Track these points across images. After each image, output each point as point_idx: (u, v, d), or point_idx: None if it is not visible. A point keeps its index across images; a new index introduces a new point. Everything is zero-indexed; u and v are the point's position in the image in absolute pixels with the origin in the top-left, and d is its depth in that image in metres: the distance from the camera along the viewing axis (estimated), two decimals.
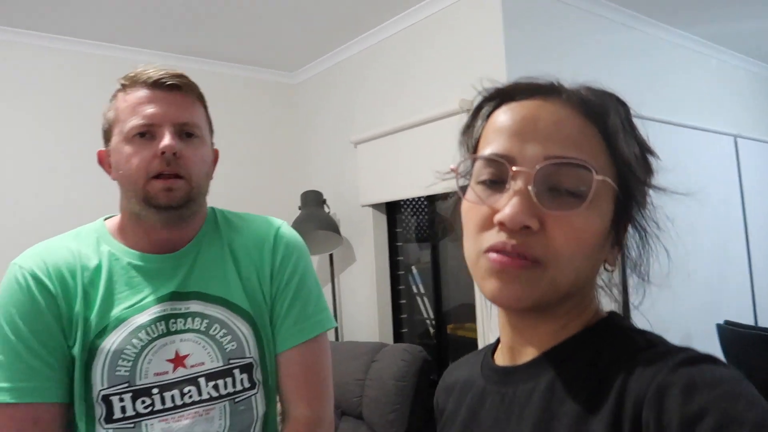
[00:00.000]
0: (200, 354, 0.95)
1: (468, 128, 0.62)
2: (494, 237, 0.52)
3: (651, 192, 0.57)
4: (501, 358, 0.63)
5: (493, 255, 0.52)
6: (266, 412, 1.01)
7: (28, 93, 2.97)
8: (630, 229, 0.57)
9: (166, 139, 0.90)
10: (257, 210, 3.51)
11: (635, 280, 0.59)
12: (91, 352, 0.89)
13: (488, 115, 0.59)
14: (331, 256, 3.35)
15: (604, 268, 0.58)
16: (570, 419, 0.50)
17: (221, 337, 0.96)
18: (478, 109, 0.60)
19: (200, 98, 0.99)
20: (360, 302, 3.29)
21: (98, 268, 0.94)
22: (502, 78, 2.42)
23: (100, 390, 0.89)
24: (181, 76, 0.95)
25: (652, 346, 0.50)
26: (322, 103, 3.57)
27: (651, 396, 0.44)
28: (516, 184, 0.51)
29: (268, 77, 3.70)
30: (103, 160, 0.99)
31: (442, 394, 0.72)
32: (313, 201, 3.21)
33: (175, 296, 0.95)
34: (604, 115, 0.54)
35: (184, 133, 0.94)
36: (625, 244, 0.57)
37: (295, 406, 1.02)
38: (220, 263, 1.00)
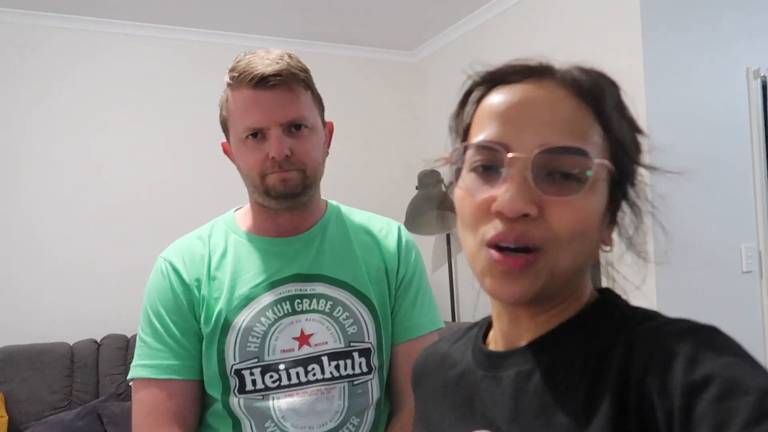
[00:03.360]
0: (324, 334, 0.98)
1: (458, 114, 0.60)
2: (494, 228, 0.51)
3: (642, 170, 0.57)
4: (494, 344, 0.62)
5: (496, 255, 0.51)
6: (380, 398, 1.03)
7: (155, 86, 3.21)
8: (624, 207, 0.56)
9: (275, 145, 0.91)
10: (375, 190, 3.55)
11: (635, 261, 0.58)
12: (223, 329, 0.95)
13: (479, 100, 0.57)
14: (448, 236, 3.32)
15: (602, 249, 0.57)
16: (575, 397, 0.49)
17: (344, 319, 0.99)
18: (468, 93, 0.59)
19: (306, 84, 0.96)
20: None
21: (225, 253, 1.01)
22: (637, 45, 2.25)
23: (233, 364, 0.95)
24: (282, 71, 0.91)
25: (650, 319, 0.50)
26: (442, 80, 3.52)
27: (654, 365, 0.44)
28: (513, 171, 0.50)
29: (387, 57, 3.72)
30: (228, 151, 1.04)
31: (424, 365, 0.72)
32: (431, 181, 3.19)
33: (300, 278, 0.99)
34: (598, 97, 0.53)
35: (293, 126, 0.94)
36: (620, 223, 0.57)
37: (409, 395, 1.03)
38: (347, 250, 1.04)
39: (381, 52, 3.67)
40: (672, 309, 2.27)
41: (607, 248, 0.57)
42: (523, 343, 0.57)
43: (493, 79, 0.57)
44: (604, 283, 0.61)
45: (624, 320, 0.52)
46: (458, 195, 0.56)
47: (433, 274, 3.48)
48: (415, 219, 3.13)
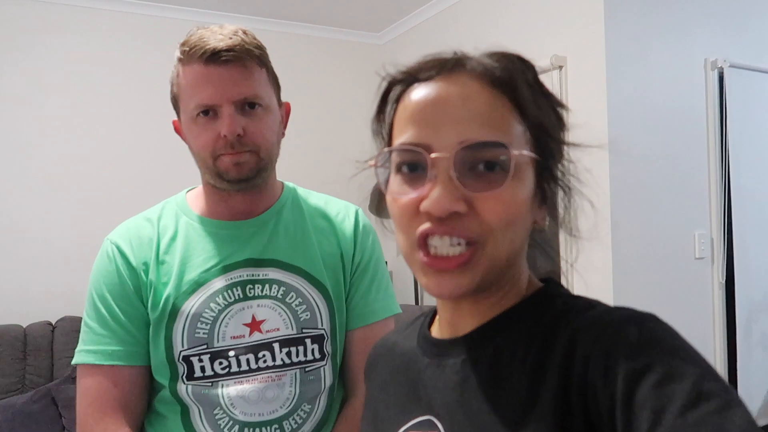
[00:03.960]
0: (276, 320, 0.96)
1: (379, 114, 0.61)
2: (424, 226, 0.52)
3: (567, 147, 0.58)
4: (439, 332, 0.64)
5: (426, 258, 0.52)
6: (332, 385, 1.02)
7: (113, 60, 3.10)
8: (553, 185, 0.57)
9: (227, 123, 0.88)
10: (338, 173, 3.52)
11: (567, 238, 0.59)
12: (171, 314, 0.93)
13: (397, 99, 0.58)
14: None
15: (535, 228, 0.58)
16: (519, 385, 0.51)
17: (297, 305, 0.97)
18: (386, 93, 0.60)
19: (260, 61, 0.93)
20: None
21: (175, 236, 0.97)
22: (599, 32, 2.27)
23: (181, 351, 0.93)
24: (235, 46, 0.89)
25: (591, 308, 0.52)
26: (409, 62, 3.50)
27: (597, 354, 0.46)
28: (437, 171, 0.51)
29: (352, 38, 3.66)
30: (179, 130, 1.00)
31: (375, 355, 0.74)
32: None
33: (252, 263, 0.97)
34: (511, 84, 0.53)
35: (247, 104, 0.91)
36: (551, 201, 0.57)
37: (362, 381, 1.02)
38: (301, 235, 1.02)
39: (345, 33, 3.62)
40: (627, 293, 2.33)
41: (540, 227, 0.58)
42: (467, 330, 0.58)
43: (408, 78, 0.57)
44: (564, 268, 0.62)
45: (566, 309, 0.53)
46: (389, 199, 0.57)
47: (398, 257, 3.48)
48: (378, 202, 3.12)
